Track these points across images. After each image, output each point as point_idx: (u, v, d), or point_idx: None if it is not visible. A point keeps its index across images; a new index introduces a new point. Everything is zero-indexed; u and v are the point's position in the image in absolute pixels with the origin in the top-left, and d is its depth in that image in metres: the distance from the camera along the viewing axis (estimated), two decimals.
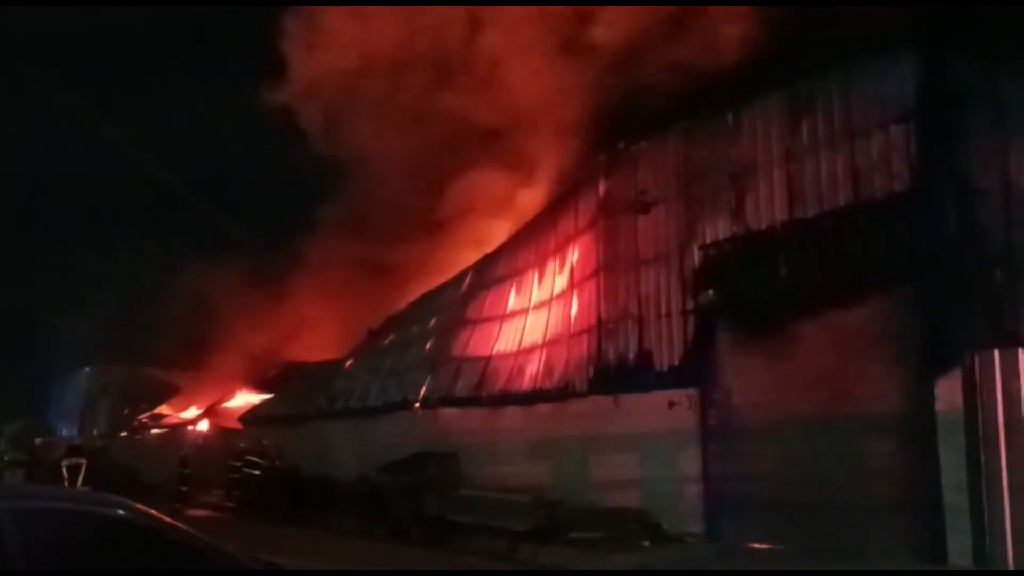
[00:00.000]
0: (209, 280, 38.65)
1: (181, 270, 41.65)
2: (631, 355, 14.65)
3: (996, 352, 9.59)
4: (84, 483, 19.55)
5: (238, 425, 29.52)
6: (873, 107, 11.28)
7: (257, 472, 22.99)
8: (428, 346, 22.06)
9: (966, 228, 10.23)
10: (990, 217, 10.45)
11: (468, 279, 22.02)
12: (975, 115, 10.63)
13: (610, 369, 15.00)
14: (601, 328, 15.32)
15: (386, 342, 25.12)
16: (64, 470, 20.09)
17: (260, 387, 31.92)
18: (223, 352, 37.60)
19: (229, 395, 34.11)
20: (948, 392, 9.93)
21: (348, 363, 26.58)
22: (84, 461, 20.86)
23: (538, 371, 17.00)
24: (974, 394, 9.69)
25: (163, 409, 42.59)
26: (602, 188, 15.81)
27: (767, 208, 12.52)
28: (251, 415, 29.62)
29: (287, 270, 35.53)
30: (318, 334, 32.46)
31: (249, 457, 23.51)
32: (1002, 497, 9.41)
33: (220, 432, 30.55)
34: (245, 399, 32.38)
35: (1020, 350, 9.49)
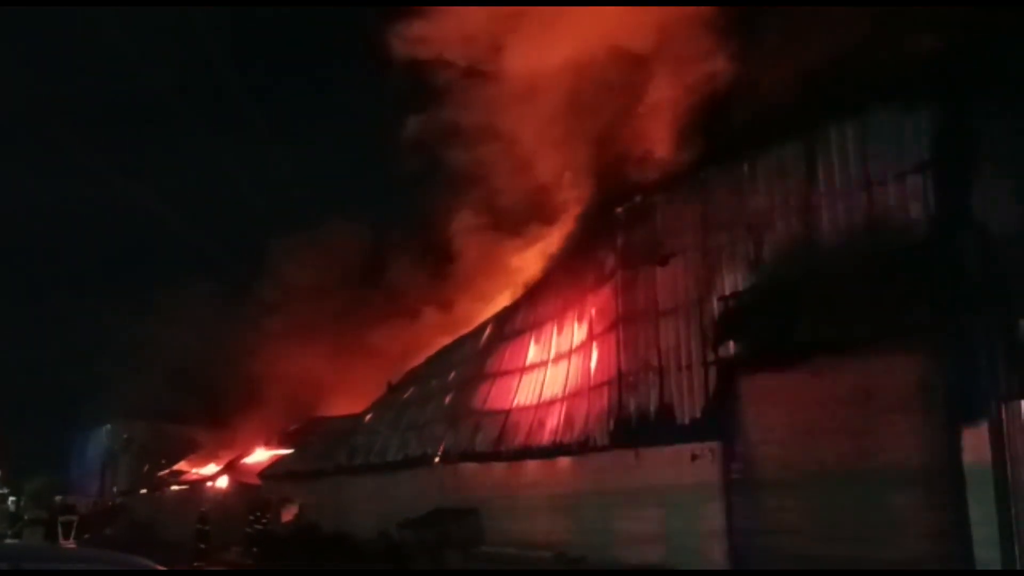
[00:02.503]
0: (231, 337, 38.93)
1: (203, 327, 41.99)
2: (652, 408, 14.52)
3: (1023, 403, 9.43)
4: (76, 537, 22.35)
5: (258, 481, 29.43)
6: (890, 156, 11.30)
7: (262, 528, 22.94)
8: (448, 400, 22.01)
9: (987, 277, 10.15)
10: (1010, 266, 10.37)
11: (488, 332, 22.02)
12: (993, 163, 10.62)
13: (631, 422, 14.87)
14: (621, 380, 15.22)
15: (406, 396, 25.09)
16: (59, 526, 22.96)
17: (280, 443, 31.91)
18: (244, 408, 37.69)
19: (249, 451, 34.09)
20: (976, 444, 9.75)
21: (368, 417, 26.54)
22: (75, 518, 24.35)
23: (558, 424, 16.87)
24: (1002, 446, 9.52)
25: (183, 465, 42.60)
26: (620, 240, 15.85)
27: (785, 258, 12.49)
28: (271, 471, 29.54)
29: (308, 326, 35.72)
30: (339, 389, 32.48)
31: (257, 514, 23.47)
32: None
33: (240, 488, 30.46)
34: (265, 455, 32.33)
35: None
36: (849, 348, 11.31)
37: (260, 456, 32.69)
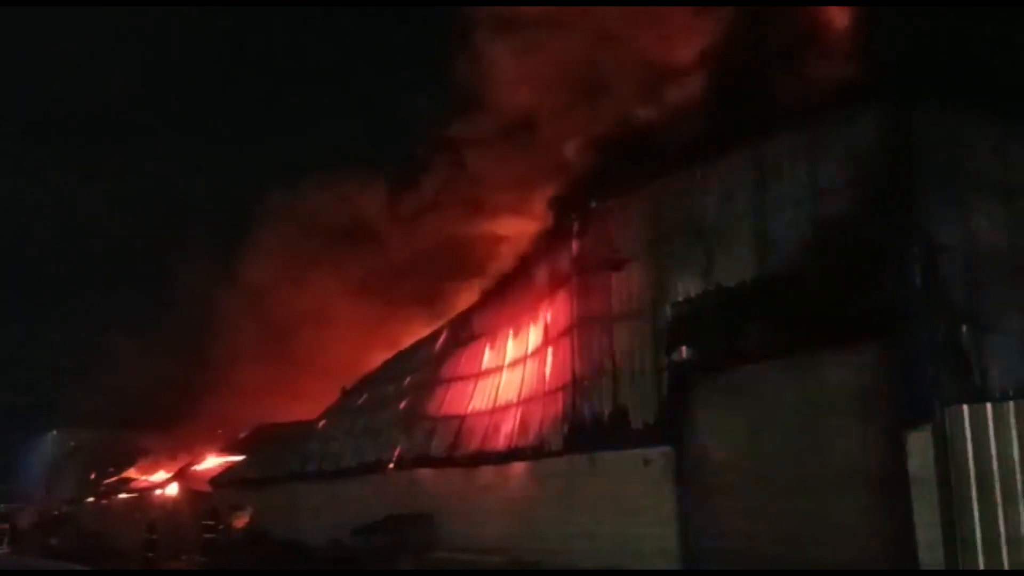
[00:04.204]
0: (180, 342, 38.32)
1: (151, 333, 41.28)
2: (606, 412, 14.61)
3: (965, 408, 9.67)
4: (13, 545, 22.68)
5: (209, 488, 29.01)
6: (838, 166, 11.52)
7: (214, 536, 22.63)
8: (402, 405, 21.90)
9: (931, 285, 10.39)
10: (955, 273, 10.64)
11: (443, 337, 21.97)
12: (937, 173, 10.90)
13: (585, 427, 14.94)
14: (576, 385, 15.29)
15: (360, 401, 24.92)
16: None
17: (232, 449, 31.52)
18: (195, 414, 37.12)
19: (200, 458, 33.61)
20: (920, 448, 9.96)
21: (321, 423, 26.30)
22: (6, 526, 26.14)
23: (513, 429, 16.90)
24: (945, 450, 9.74)
25: (132, 472, 41.84)
26: (575, 246, 15.93)
27: (736, 265, 12.67)
28: (222, 478, 29.15)
29: (258, 331, 35.29)
30: (292, 395, 32.13)
31: (209, 521, 23.15)
32: (976, 554, 9.41)
33: (190, 495, 30.01)
34: (217, 462, 31.91)
35: (988, 405, 9.58)
36: (798, 354, 11.50)
37: (211, 463, 32.25)
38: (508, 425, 17.11)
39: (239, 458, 30.16)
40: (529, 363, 17.23)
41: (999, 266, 11.27)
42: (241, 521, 23.18)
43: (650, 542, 13.23)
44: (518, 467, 16.46)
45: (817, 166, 11.77)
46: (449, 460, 18.41)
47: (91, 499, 42.33)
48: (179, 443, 37.60)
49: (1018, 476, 9.24)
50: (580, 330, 15.37)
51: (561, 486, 15.17)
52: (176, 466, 35.20)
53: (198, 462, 33.33)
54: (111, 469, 43.36)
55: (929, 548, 9.77)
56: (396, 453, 20.41)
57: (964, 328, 10.47)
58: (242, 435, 32.24)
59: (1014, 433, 9.31)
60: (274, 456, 26.98)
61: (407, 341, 24.64)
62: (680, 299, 13.51)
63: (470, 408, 18.77)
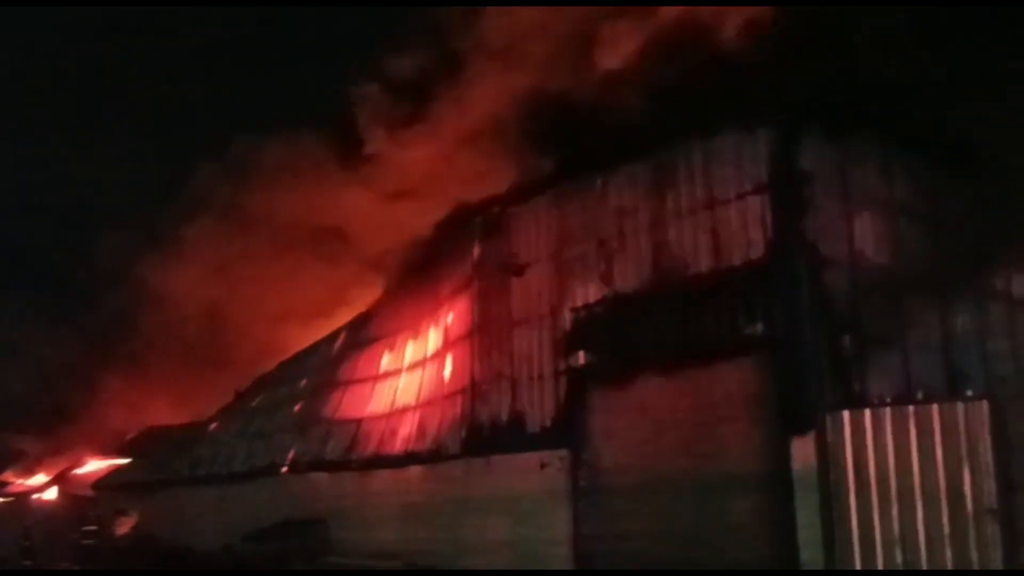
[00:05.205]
0: (60, 338, 36.54)
1: (30, 329, 39.22)
2: (504, 416, 14.68)
3: (846, 414, 10.11)
4: None
5: (92, 493, 27.89)
6: (732, 178, 11.89)
7: (91, 541, 21.78)
8: (298, 408, 21.50)
9: (817, 297, 10.84)
10: (840, 287, 11.13)
11: (341, 339, 21.68)
12: (824, 189, 11.38)
13: (483, 430, 14.98)
14: (474, 389, 15.32)
15: (254, 404, 24.35)
16: None
17: (117, 452, 30.36)
18: (77, 416, 35.45)
19: (82, 461, 32.23)
20: (803, 452, 10.37)
21: (213, 426, 25.60)
22: None
23: (411, 433, 16.80)
24: (826, 454, 10.16)
25: (7, 476, 39.73)
26: (476, 250, 15.96)
27: (634, 273, 12.93)
28: (106, 482, 28.08)
29: (149, 329, 33.97)
30: (182, 396, 31.10)
31: (86, 527, 22.26)
32: (853, 554, 9.84)
33: (71, 500, 28.79)
34: (100, 465, 30.70)
35: (867, 412, 10.04)
36: (690, 360, 11.82)
37: (94, 466, 31.00)
38: (406, 429, 17.00)
39: (125, 461, 29.10)
40: (428, 366, 17.16)
41: (882, 281, 11.85)
42: (125, 527, 22.36)
43: (545, 545, 13.36)
44: (415, 471, 16.37)
45: (712, 178, 12.12)
46: (345, 464, 18.17)
47: None
48: (60, 445, 35.91)
49: (893, 480, 9.72)
50: (480, 334, 15.40)
51: (458, 490, 15.17)
52: (56, 469, 33.66)
53: (80, 465, 31.98)
54: None
55: (809, 548, 10.18)
56: (290, 457, 20.01)
57: (847, 339, 10.96)
58: (129, 437, 31.05)
59: (890, 439, 9.79)
60: (162, 459, 26.14)
61: (306, 342, 24.19)
62: (579, 305, 13.69)
63: (367, 411, 18.56)
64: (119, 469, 28.73)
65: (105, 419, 33.08)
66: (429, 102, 22.71)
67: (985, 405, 9.31)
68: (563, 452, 13.43)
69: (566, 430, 13.48)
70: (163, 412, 31.03)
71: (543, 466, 13.63)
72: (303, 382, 22.23)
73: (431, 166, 22.69)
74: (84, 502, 27.47)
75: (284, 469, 19.97)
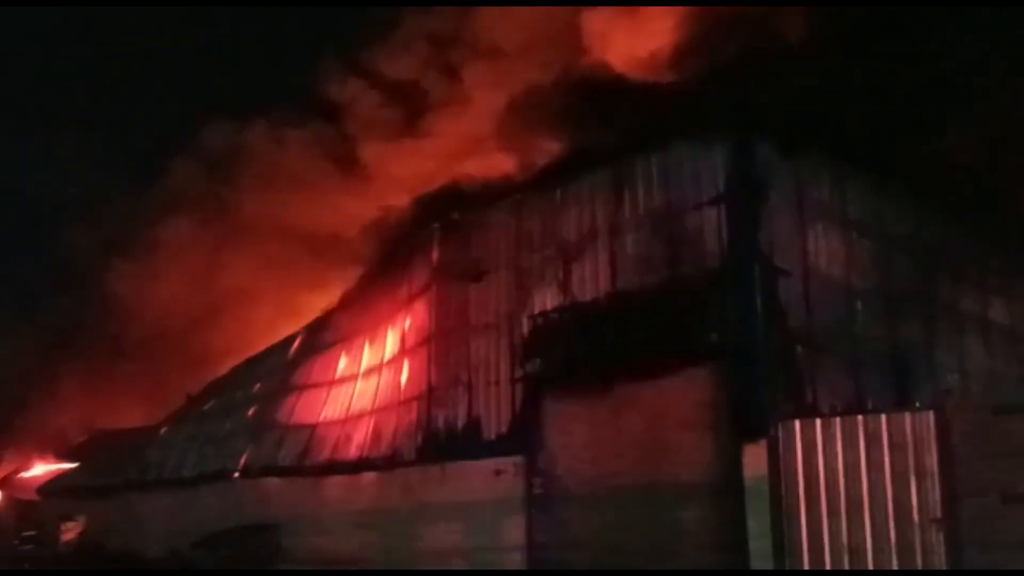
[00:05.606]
0: (5, 339, 35.55)
1: None
2: (460, 423, 14.65)
3: (797, 423, 10.25)
4: None
5: (37, 497, 27.26)
6: (689, 189, 12.03)
7: (32, 547, 21.26)
8: (251, 412, 21.22)
9: (770, 306, 11.00)
10: (791, 296, 11.32)
11: (297, 343, 21.47)
12: (778, 201, 11.57)
13: (439, 437, 14.93)
14: (431, 395, 15.26)
15: (206, 408, 23.99)
16: None
17: (65, 456, 29.69)
18: (22, 419, 34.56)
19: (28, 464, 31.45)
20: (755, 461, 10.48)
21: (164, 430, 25.16)
22: None
23: (366, 439, 16.68)
24: (777, 463, 10.29)
25: None
26: (435, 256, 15.93)
27: (591, 281, 13.00)
28: (52, 486, 27.46)
29: (99, 329, 33.25)
30: (131, 399, 30.47)
31: (27, 532, 21.73)
32: (803, 563, 9.96)
33: (15, 504, 28.10)
34: (47, 469, 30.00)
35: (818, 421, 10.18)
36: (646, 368, 11.90)
37: (41, 470, 30.29)
38: (361, 434, 16.88)
39: (72, 465, 28.48)
40: (385, 372, 17.07)
41: (833, 292, 12.08)
42: (71, 533, 21.87)
43: (498, 553, 13.34)
44: (369, 477, 16.25)
45: (670, 188, 12.25)
46: (298, 469, 17.98)
47: None
48: (5, 448, 35.01)
49: (841, 488, 9.86)
50: (437, 340, 15.37)
51: (412, 497, 15.09)
52: (1, 473, 32.83)
53: (25, 469, 31.22)
54: None
55: (760, 556, 10.28)
56: (242, 461, 19.76)
57: (799, 349, 11.14)
58: (77, 441, 30.39)
59: (839, 447, 9.94)
60: (111, 463, 25.63)
61: (262, 344, 23.89)
62: (537, 312, 13.72)
63: (322, 416, 18.40)
64: (66, 473, 28.12)
65: (53, 422, 32.31)
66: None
67: (931, 416, 9.47)
68: (518, 459, 13.43)
69: (522, 437, 13.49)
70: (113, 415, 30.40)
71: (498, 473, 13.61)
72: (257, 386, 21.96)
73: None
74: (29, 507, 26.82)
75: (236, 474, 19.70)
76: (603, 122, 15.99)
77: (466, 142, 20.23)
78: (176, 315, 29.43)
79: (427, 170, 20.77)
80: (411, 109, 22.99)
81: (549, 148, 16.55)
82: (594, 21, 18.43)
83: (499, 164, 17.62)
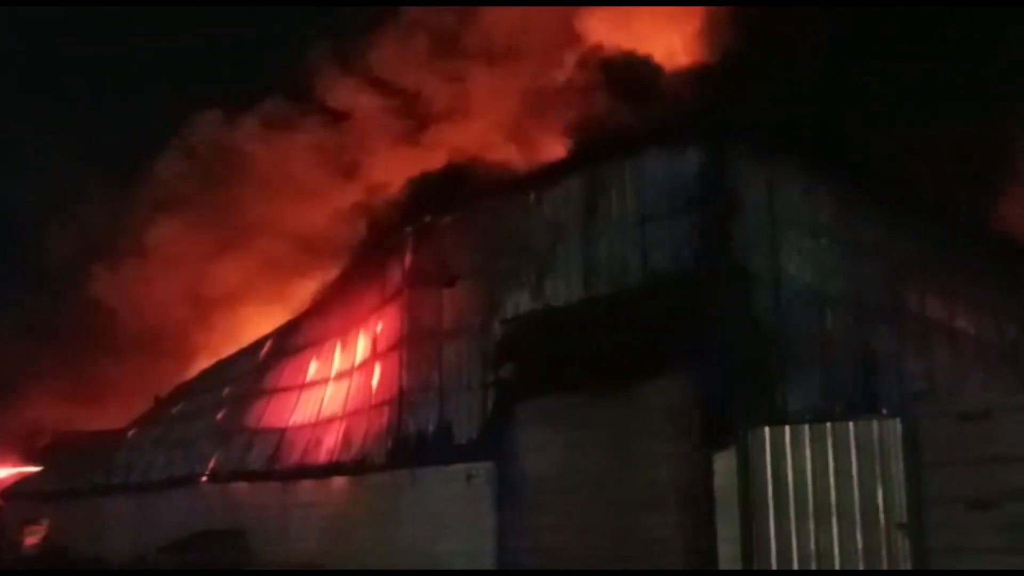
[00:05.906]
0: None
1: None
2: (431, 427, 14.60)
3: (766, 430, 10.30)
4: None
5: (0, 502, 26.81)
6: (662, 195, 12.08)
7: None
8: (220, 416, 20.99)
9: (742, 313, 11.06)
10: (764, 304, 11.39)
11: (267, 346, 21.28)
12: (750, 208, 11.65)
13: (410, 442, 14.86)
14: (402, 400, 15.20)
15: (174, 411, 23.70)
16: None
17: (28, 459, 29.22)
18: None
19: None
20: (725, 467, 10.52)
21: (131, 433, 24.83)
22: None
23: (336, 443, 16.56)
24: (747, 469, 10.33)
25: None
26: (408, 260, 15.87)
27: (564, 286, 13.02)
28: (13, 490, 27.02)
29: (64, 327, 32.70)
30: (96, 401, 30.02)
31: None
32: (771, 567, 10.00)
33: None
34: (8, 472, 29.52)
35: (787, 428, 10.24)
36: (617, 374, 11.92)
37: (3, 473, 29.80)
38: (331, 439, 16.76)
39: (35, 468, 28.05)
40: (356, 376, 16.97)
41: (805, 299, 12.18)
42: (33, 537, 21.51)
43: (468, 558, 13.28)
44: (340, 482, 16.14)
45: (642, 195, 12.29)
46: (267, 474, 17.81)
47: None
48: None
49: (810, 494, 9.92)
50: (409, 344, 15.31)
51: (383, 502, 15.00)
52: None
53: None
54: None
55: (729, 562, 10.32)
56: (211, 466, 19.54)
57: (770, 356, 11.21)
58: (40, 444, 29.91)
59: (808, 454, 10.00)
60: (76, 467, 25.25)
61: (233, 347, 23.66)
62: (509, 317, 13.71)
63: (292, 420, 18.25)
64: (30, 477, 27.70)
65: (16, 424, 31.75)
66: None
67: (898, 423, 9.55)
68: (489, 464, 13.39)
69: (493, 442, 13.46)
70: (78, 417, 29.93)
71: (469, 478, 13.57)
72: (226, 390, 21.73)
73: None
74: None
75: (204, 478, 19.48)
76: (580, 127, 16.08)
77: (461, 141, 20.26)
78: (158, 315, 29.12)
79: (416, 169, 20.80)
80: (407, 112, 22.98)
81: (531, 152, 16.60)
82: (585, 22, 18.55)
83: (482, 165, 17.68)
